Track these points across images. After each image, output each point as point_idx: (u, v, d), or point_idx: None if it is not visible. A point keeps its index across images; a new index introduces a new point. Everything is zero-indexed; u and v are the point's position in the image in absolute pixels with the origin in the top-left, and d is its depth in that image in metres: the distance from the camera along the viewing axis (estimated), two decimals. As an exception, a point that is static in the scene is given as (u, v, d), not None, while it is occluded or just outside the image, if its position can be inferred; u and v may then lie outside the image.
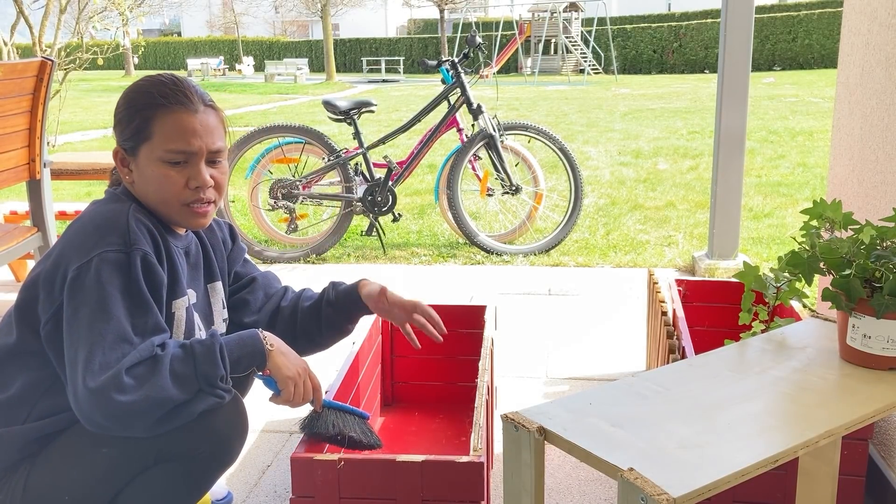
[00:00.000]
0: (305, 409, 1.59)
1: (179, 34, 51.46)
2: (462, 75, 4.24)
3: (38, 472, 1.39)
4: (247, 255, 1.80)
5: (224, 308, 1.66)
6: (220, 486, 1.91)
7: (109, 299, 1.30)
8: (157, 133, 1.42)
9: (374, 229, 4.26)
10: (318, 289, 1.79)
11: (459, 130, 4.30)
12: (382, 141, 4.33)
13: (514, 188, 4.26)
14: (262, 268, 1.83)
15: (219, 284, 1.64)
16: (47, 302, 1.35)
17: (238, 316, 1.72)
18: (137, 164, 1.44)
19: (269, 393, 1.49)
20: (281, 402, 1.49)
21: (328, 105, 4.23)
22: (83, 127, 11.90)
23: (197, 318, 1.54)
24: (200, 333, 1.54)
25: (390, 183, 4.22)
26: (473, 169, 4.36)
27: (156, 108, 1.42)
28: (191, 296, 1.52)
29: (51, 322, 1.35)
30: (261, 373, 1.46)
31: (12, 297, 3.58)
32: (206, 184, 1.45)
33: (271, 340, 1.46)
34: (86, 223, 1.40)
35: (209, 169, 1.46)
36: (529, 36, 27.43)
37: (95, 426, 1.27)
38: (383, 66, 32.33)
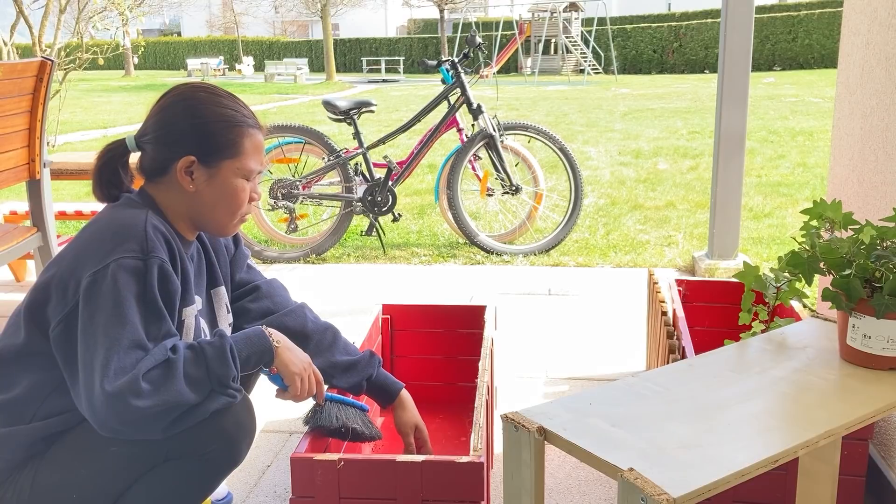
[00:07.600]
0: (305, 406, 1.60)
1: (179, 34, 51.44)
2: (462, 75, 4.24)
3: (46, 470, 1.39)
4: (251, 262, 1.80)
5: (229, 313, 1.67)
6: (221, 487, 1.90)
7: (125, 305, 1.30)
8: (244, 151, 1.50)
9: (374, 229, 4.26)
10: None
11: (459, 130, 4.30)
12: (382, 141, 4.33)
13: (514, 188, 4.26)
14: (262, 268, 1.83)
15: (222, 290, 1.65)
16: (59, 305, 1.35)
17: (239, 323, 1.72)
18: (211, 175, 1.48)
19: (268, 394, 1.49)
20: (288, 397, 1.50)
21: (328, 105, 4.22)
22: (83, 127, 11.88)
23: (203, 324, 1.55)
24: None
25: (390, 183, 4.22)
26: (473, 169, 4.36)
27: (245, 126, 1.51)
28: (198, 302, 1.53)
29: (61, 325, 1.34)
30: (267, 369, 1.47)
31: (12, 297, 3.59)
32: (260, 198, 1.53)
33: (277, 337, 1.47)
34: (102, 228, 1.40)
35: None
36: (529, 36, 27.41)
37: (109, 430, 1.27)
38: (383, 66, 32.32)
